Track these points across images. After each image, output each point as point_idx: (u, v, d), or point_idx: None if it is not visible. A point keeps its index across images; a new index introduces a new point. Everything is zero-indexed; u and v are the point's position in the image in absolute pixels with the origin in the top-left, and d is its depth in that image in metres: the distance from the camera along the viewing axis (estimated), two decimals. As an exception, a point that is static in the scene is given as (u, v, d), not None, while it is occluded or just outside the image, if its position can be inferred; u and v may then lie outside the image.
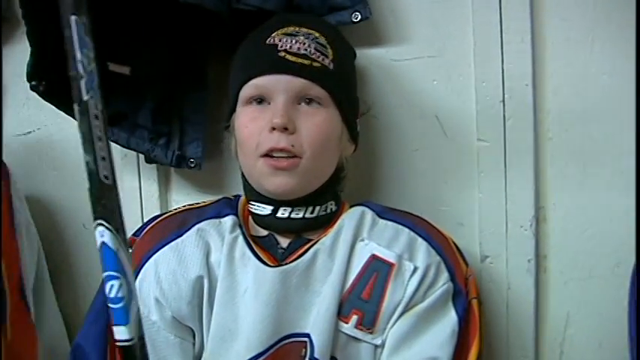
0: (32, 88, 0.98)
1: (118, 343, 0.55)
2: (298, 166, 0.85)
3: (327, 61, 0.87)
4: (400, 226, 0.89)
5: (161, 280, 0.87)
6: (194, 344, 0.88)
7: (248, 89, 0.89)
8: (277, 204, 0.90)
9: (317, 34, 0.89)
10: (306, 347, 0.83)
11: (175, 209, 0.99)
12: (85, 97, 0.54)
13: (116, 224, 0.56)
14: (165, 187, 1.21)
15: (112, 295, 0.55)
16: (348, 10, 1.00)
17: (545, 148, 1.00)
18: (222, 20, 0.96)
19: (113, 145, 1.20)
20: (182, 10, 0.94)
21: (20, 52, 1.25)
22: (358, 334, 0.84)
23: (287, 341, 0.83)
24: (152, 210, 1.20)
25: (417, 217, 0.93)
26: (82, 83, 0.53)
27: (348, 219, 0.90)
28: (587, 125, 0.98)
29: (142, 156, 1.19)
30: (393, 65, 1.06)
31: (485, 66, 1.00)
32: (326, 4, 1.01)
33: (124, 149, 1.19)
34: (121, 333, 0.56)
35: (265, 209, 0.91)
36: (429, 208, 1.04)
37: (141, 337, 0.57)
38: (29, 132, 1.31)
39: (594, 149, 0.98)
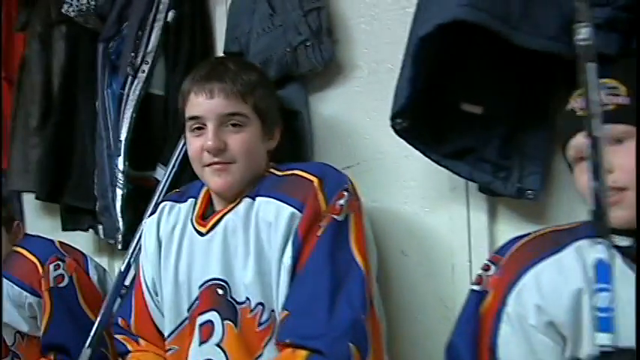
0: (394, 125, 1.12)
1: (602, 348, 0.72)
2: None
3: None
4: None
5: (542, 289, 0.94)
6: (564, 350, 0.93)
7: None
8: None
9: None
10: None
11: (538, 231, 1.04)
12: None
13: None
14: (493, 218, 1.26)
15: (603, 304, 0.71)
16: None
17: None
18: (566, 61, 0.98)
19: (441, 179, 1.30)
20: (532, 53, 0.98)
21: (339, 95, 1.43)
22: None
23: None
24: (479, 238, 1.26)
25: None
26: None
27: None
28: None
29: (470, 188, 1.25)
30: None
31: None
32: None
33: (453, 182, 1.28)
34: (603, 339, 0.71)
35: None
36: None
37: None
38: (350, 166, 1.45)
39: None
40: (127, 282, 1.48)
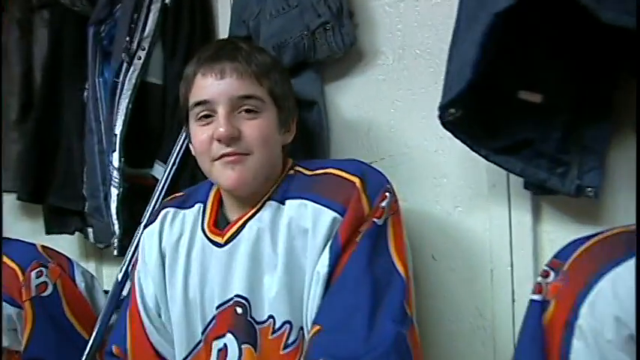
0: (444, 116, 0.99)
1: None
2: None
3: None
4: None
5: (621, 299, 0.82)
6: None
7: None
8: None
9: None
10: None
11: (604, 232, 0.91)
12: None
13: None
14: (537, 217, 1.14)
15: None
16: None
17: None
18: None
19: (478, 175, 1.18)
20: (597, 34, 0.87)
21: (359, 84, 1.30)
22: None
23: None
24: (522, 240, 1.14)
25: None
26: None
27: None
28: None
29: (513, 186, 1.14)
30: None
31: None
32: None
33: (492, 179, 1.16)
34: None
35: None
36: None
37: None
38: (372, 162, 1.32)
39: None
40: (125, 292, 1.33)
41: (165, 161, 1.44)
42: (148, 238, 1.14)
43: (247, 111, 1.01)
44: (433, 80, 1.23)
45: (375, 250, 0.97)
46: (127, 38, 1.41)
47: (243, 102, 1.00)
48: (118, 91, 1.41)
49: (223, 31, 1.49)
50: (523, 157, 1.02)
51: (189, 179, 1.43)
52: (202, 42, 1.48)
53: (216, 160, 1.01)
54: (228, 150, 0.99)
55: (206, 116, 1.02)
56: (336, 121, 1.34)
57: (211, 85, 1.00)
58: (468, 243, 1.22)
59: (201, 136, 1.02)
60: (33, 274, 1.40)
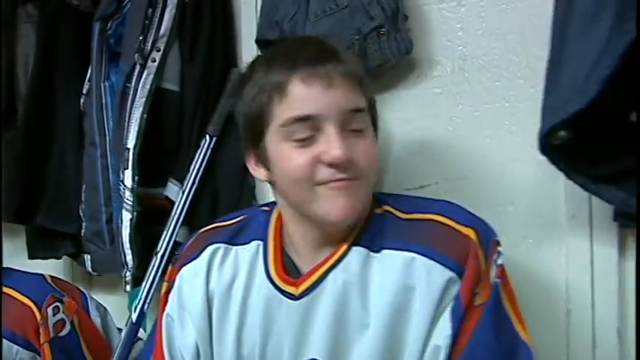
0: (549, 139, 0.85)
1: None
2: None
3: None
4: None
5: None
6: None
7: None
8: None
9: None
10: None
11: None
12: None
13: None
14: (623, 253, 1.02)
15: None
16: None
17: None
18: None
19: (551, 203, 1.06)
20: None
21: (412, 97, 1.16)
22: None
23: None
24: (606, 278, 1.02)
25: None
26: None
27: None
28: None
29: (597, 217, 1.02)
30: None
31: None
32: None
33: (571, 208, 1.05)
34: None
35: None
36: None
37: None
38: (424, 186, 1.18)
39: None
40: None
41: (180, 179, 1.26)
42: (189, 279, 0.93)
43: (353, 129, 0.82)
44: (500, 96, 1.10)
45: (498, 317, 0.81)
46: (140, 37, 1.22)
47: (352, 117, 0.82)
48: (130, 97, 1.22)
49: (247, 31, 1.32)
50: (626, 186, 0.89)
51: (209, 201, 1.26)
52: (225, 43, 1.32)
53: (322, 184, 0.81)
54: (343, 176, 0.80)
55: (302, 139, 0.81)
56: (383, 139, 1.18)
57: (317, 96, 0.80)
58: (539, 279, 1.08)
59: (298, 159, 0.81)
60: (50, 310, 1.18)
